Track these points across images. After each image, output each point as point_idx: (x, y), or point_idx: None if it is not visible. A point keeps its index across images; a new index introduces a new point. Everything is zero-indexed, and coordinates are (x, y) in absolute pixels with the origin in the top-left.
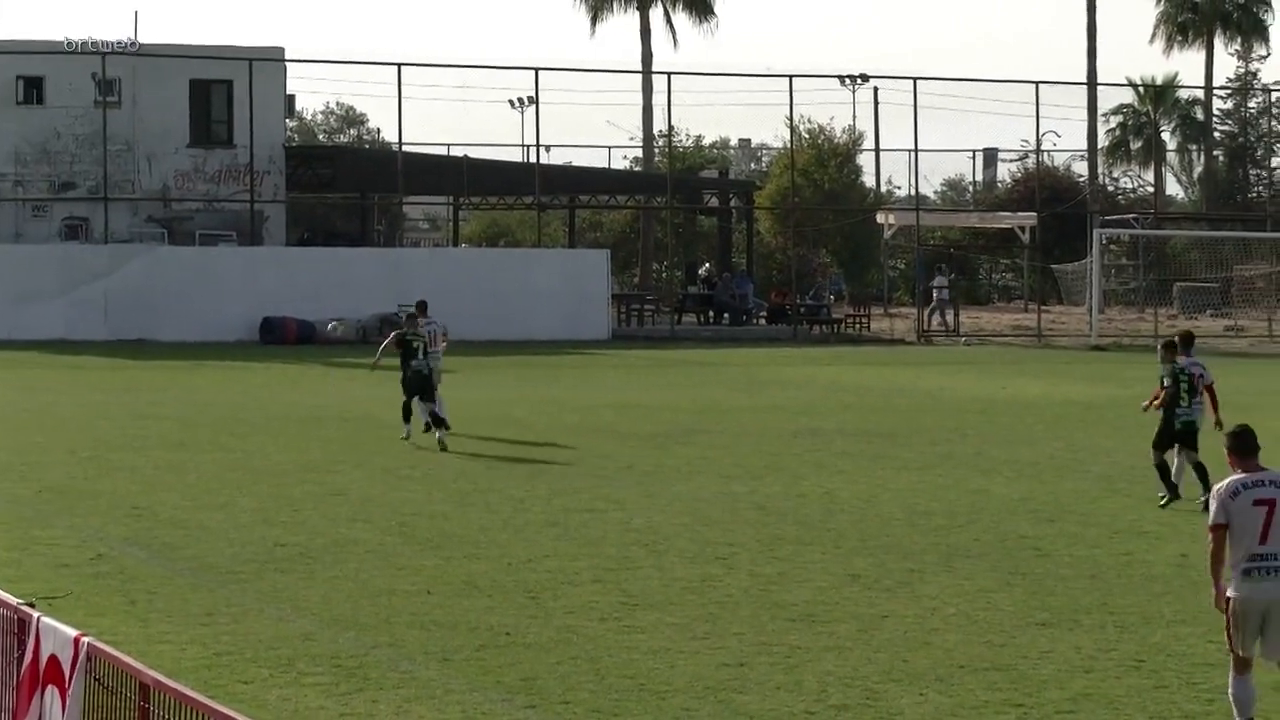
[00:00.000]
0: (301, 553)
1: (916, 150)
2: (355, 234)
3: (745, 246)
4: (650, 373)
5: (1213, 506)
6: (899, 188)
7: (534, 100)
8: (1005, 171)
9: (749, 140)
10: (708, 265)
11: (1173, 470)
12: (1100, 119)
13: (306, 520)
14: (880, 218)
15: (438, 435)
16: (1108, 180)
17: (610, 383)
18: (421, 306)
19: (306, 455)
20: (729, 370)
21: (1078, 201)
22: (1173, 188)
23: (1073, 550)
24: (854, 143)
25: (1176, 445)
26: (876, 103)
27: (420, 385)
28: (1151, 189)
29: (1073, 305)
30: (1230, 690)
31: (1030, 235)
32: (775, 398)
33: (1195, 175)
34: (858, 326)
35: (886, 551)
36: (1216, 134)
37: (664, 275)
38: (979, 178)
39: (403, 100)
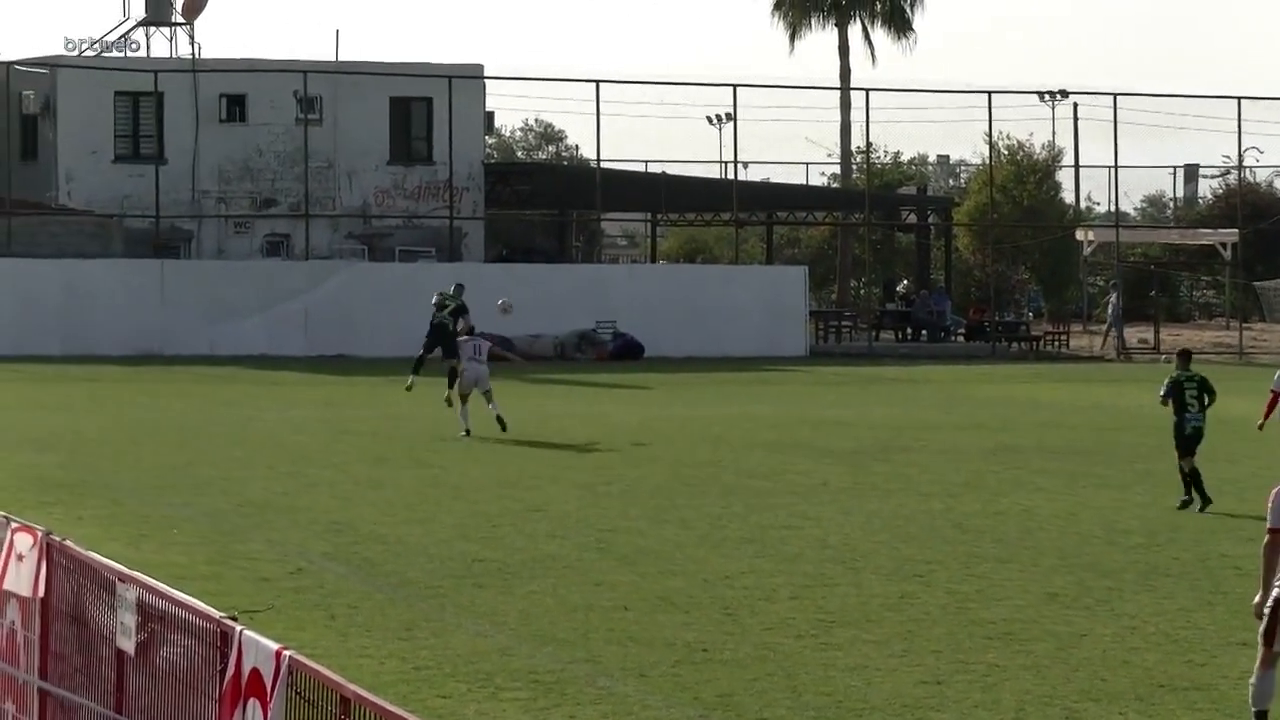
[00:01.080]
0: (499, 568)
1: (1116, 166)
2: (554, 250)
3: (943, 263)
4: (847, 389)
5: (1271, 509)
6: (1098, 204)
7: (732, 117)
8: (1207, 188)
9: (947, 157)
10: (905, 282)
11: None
12: None
13: (504, 536)
14: (1079, 234)
15: (466, 430)
16: None
17: (808, 399)
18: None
19: (503, 471)
20: (927, 387)
21: None
22: None
23: None
24: (1053, 159)
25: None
26: (1076, 118)
27: (441, 336)
28: None
29: (1275, 323)
30: (1255, 680)
31: (1232, 252)
32: (973, 415)
33: None
34: (1056, 344)
35: (1085, 570)
36: None
37: (862, 292)
38: (1180, 194)
39: (601, 117)
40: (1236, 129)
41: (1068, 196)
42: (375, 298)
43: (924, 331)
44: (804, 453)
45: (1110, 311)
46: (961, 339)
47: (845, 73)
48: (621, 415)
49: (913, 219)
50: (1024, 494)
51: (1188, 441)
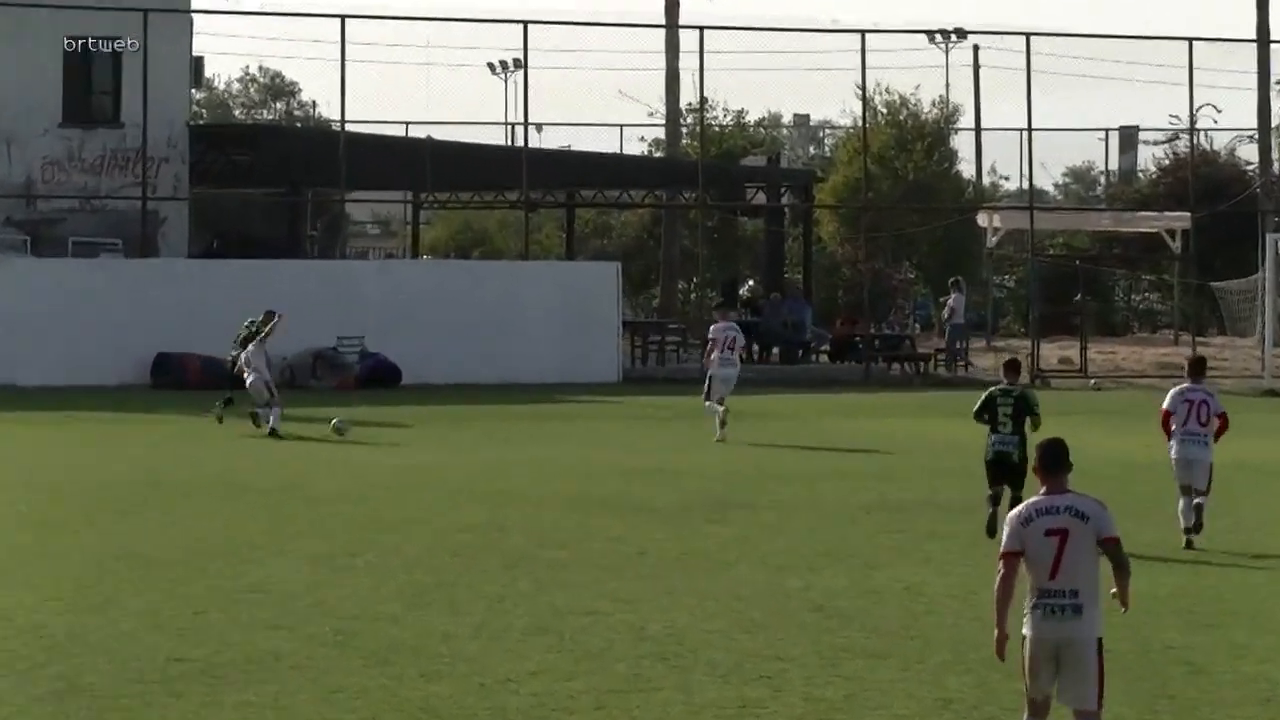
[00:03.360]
0: (204, 670)
1: (1030, 130)
2: (281, 241)
3: (802, 258)
4: (673, 426)
5: (1005, 532)
6: (1007, 179)
7: (522, 64)
8: (1148, 158)
9: (807, 117)
10: (751, 283)
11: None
12: (1274, 88)
13: (212, 626)
14: (982, 219)
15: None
16: None
17: (620, 439)
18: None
19: (211, 537)
20: (779, 423)
21: (1246, 197)
22: None
23: (1238, 666)
24: (947, 119)
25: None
26: (977, 66)
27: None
28: None
29: (1239, 336)
30: None
31: (1183, 242)
32: (841, 460)
33: None
34: (952, 365)
35: (988, 668)
36: None
37: (693, 296)
38: (1113, 165)
39: (346, 64)
40: (1187, 80)
41: (966, 169)
42: (42, 305)
43: (776, 348)
44: (614, 511)
45: (946, 319)
46: (825, 358)
47: (672, 6)
48: (371, 461)
49: (761, 199)
50: (908, 566)
51: (994, 468)
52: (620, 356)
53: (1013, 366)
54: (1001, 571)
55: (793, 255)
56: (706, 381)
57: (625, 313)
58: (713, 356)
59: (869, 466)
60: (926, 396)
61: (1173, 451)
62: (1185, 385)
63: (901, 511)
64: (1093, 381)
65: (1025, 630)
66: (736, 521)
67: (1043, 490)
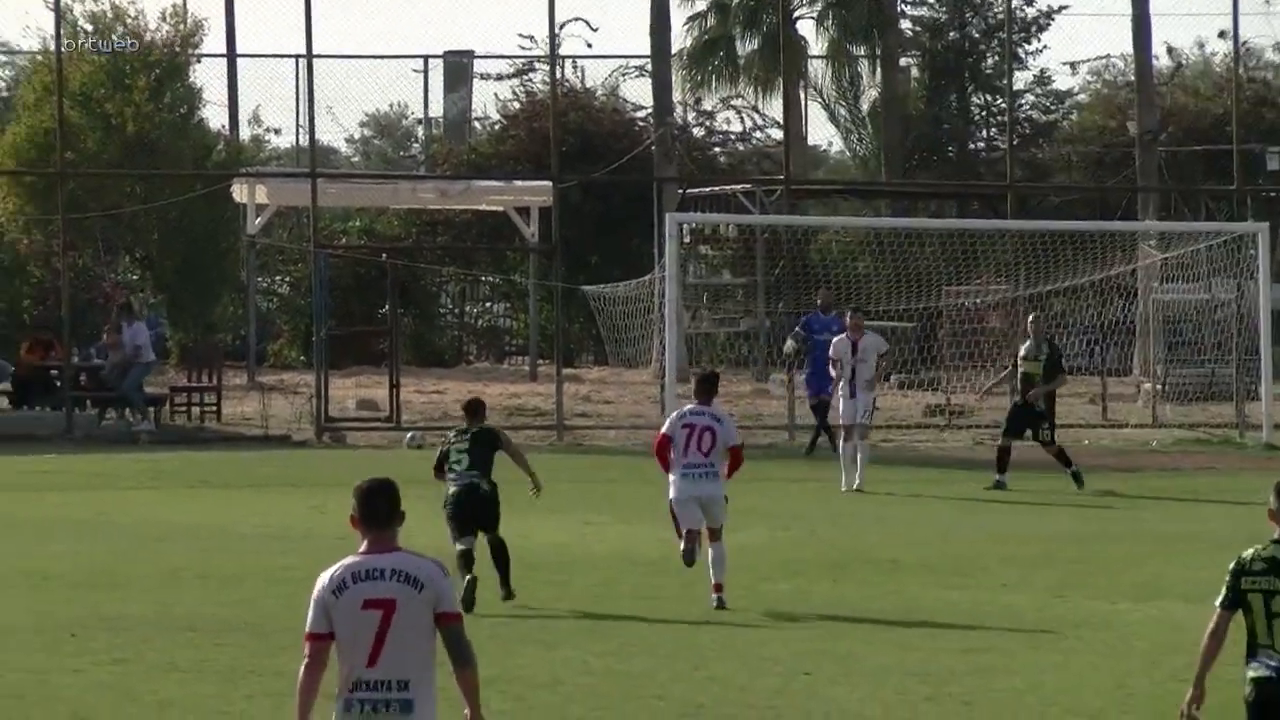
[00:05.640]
0: None
1: (311, 56)
2: None
3: None
4: None
5: (311, 603)
6: (278, 131)
7: None
8: (488, 99)
9: None
10: None
11: None
12: None
13: None
14: (240, 192)
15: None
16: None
17: None
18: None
19: None
20: None
21: (635, 158)
22: None
23: None
24: (185, 41)
25: None
26: None
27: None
28: None
29: (626, 365)
30: None
31: (541, 225)
32: (28, 557)
33: None
34: (199, 410)
35: None
36: None
37: None
38: (436, 112)
39: None
40: None
41: (217, 116)
42: None
43: None
44: None
45: (128, 357)
46: (6, 401)
47: None
48: None
49: None
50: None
51: None
52: None
53: (473, 410)
54: (306, 660)
55: None
56: None
57: None
58: None
59: (75, 566)
60: (161, 459)
61: None
62: None
63: (125, 631)
64: (410, 435)
65: None
66: None
67: (363, 548)
